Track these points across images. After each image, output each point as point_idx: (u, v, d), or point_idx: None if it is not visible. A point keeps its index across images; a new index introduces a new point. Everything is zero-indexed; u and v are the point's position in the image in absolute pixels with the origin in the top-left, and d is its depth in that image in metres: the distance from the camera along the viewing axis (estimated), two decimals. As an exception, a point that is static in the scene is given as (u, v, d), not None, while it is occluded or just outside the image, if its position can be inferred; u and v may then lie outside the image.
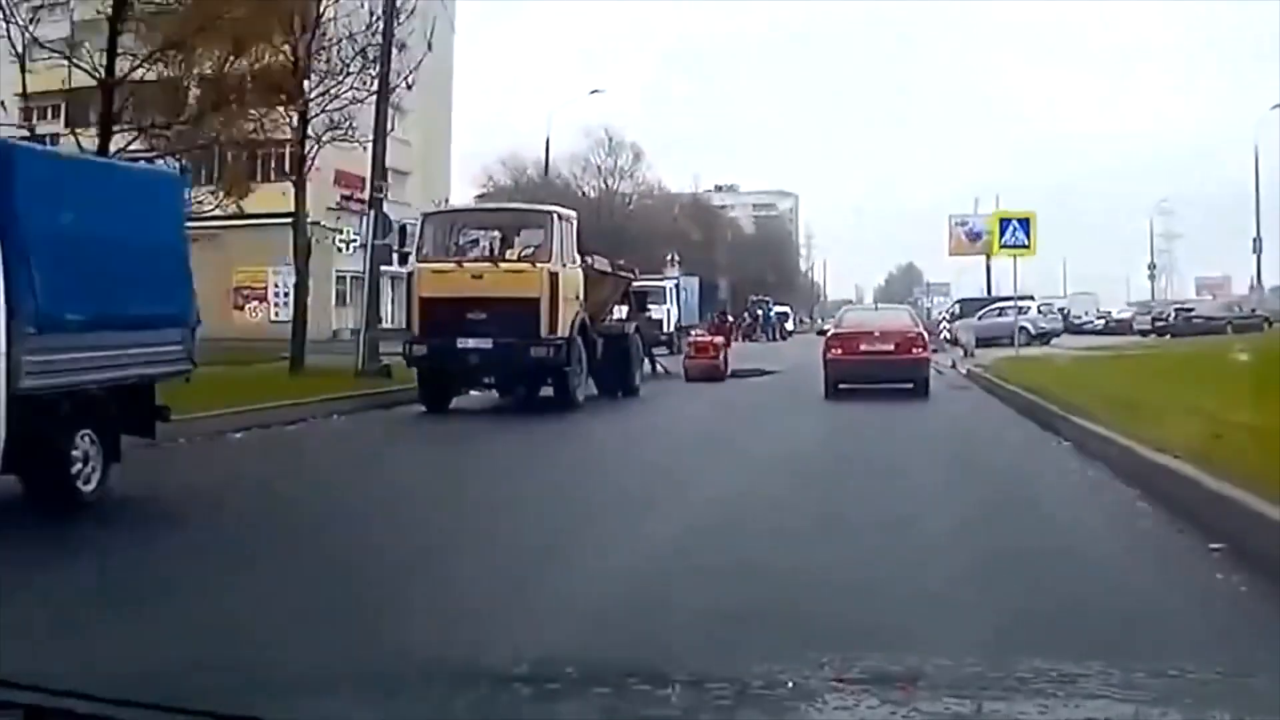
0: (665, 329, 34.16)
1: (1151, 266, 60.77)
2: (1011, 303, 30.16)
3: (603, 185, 74.73)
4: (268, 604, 5.39)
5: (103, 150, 15.33)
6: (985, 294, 51.51)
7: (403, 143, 42.75)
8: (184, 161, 18.23)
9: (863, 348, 18.24)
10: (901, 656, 2.32)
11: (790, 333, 68.25)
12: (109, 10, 16.22)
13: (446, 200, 46.02)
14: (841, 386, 18.06)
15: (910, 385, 17.82)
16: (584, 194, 71.91)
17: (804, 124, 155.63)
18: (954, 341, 33.87)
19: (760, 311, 64.98)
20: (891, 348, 18.18)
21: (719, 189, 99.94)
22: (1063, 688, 1.93)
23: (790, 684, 1.98)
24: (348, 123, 20.64)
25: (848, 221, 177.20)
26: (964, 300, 49.55)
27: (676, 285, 42.92)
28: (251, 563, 6.40)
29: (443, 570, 6.25)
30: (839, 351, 18.41)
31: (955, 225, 56.63)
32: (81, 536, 7.21)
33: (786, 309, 74.55)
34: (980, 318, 37.82)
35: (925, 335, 19.14)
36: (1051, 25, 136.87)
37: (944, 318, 44.10)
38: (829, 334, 19.85)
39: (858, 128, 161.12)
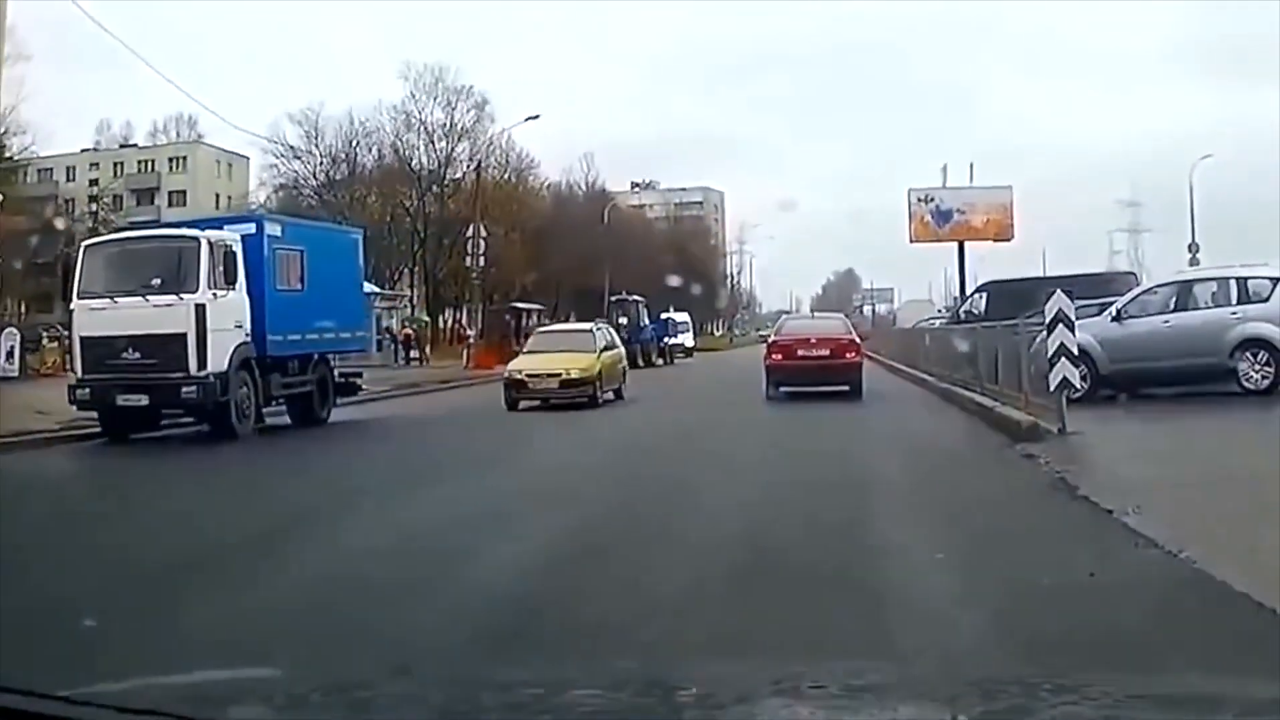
0: (191, 363, 15.27)
1: (1193, 248, 41.75)
2: (1202, 271, 17.56)
3: (431, 146, 56.74)
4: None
5: None
6: (959, 291, 37.36)
7: None
8: None
9: (800, 353, 20.23)
10: (880, 664, 2.33)
11: (690, 351, 50.80)
12: None
13: None
14: (786, 392, 19.95)
15: (846, 388, 19.74)
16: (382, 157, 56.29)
17: (734, 128, 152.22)
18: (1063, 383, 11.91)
19: (625, 320, 40.18)
20: (827, 353, 20.17)
21: (636, 187, 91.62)
22: (1060, 691, 1.91)
23: (771, 688, 1.98)
24: None
25: (786, 226, 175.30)
26: (994, 284, 25.71)
27: (252, 241, 16.43)
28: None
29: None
30: (779, 357, 20.43)
31: (918, 203, 43.20)
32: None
33: (683, 316, 53.04)
34: (1120, 317, 15.97)
35: (859, 341, 21.43)
36: (1011, 26, 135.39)
37: (1065, 318, 12.40)
38: (769, 341, 22.00)
39: (793, 132, 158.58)
